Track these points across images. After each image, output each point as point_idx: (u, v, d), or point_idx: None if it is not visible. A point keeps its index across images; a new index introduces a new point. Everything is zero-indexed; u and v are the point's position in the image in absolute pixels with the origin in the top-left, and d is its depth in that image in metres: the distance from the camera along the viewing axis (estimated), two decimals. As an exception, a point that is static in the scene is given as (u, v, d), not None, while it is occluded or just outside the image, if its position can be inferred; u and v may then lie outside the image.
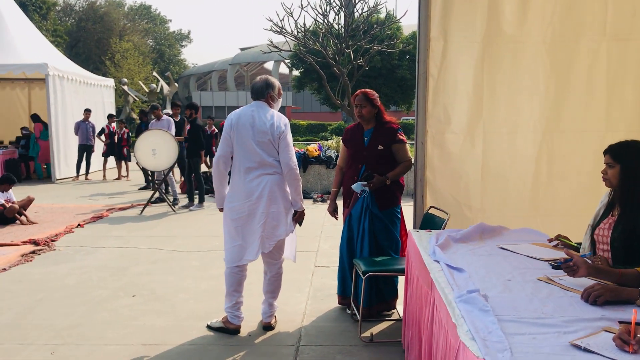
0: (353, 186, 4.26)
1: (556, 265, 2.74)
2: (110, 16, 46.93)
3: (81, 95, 15.01)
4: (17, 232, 7.61)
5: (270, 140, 3.97)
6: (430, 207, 4.31)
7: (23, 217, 8.22)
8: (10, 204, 8.23)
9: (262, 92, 4.13)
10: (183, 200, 10.22)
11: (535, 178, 4.33)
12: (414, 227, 4.38)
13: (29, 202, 8.61)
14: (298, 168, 4.13)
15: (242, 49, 59.24)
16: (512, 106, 4.28)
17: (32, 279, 5.51)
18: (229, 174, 4.09)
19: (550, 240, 3.19)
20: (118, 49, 39.14)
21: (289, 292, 4.94)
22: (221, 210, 4.15)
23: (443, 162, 4.37)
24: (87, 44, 44.91)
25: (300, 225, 4.21)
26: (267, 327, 4.19)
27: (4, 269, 5.78)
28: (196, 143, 9.68)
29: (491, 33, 4.20)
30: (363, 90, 4.42)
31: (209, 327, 4.19)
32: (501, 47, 4.22)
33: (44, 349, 3.81)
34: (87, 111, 14.05)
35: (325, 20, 14.64)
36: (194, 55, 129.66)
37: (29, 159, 14.35)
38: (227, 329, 4.12)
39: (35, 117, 14.01)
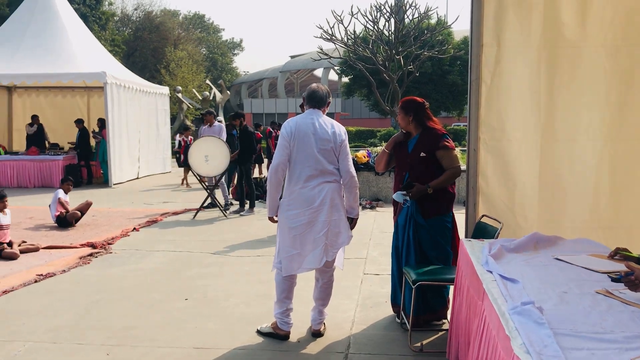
0: (394, 196, 4.23)
1: (616, 278, 2.63)
2: (165, 25, 48.27)
3: (137, 103, 15.47)
4: (75, 235, 7.89)
5: (332, 148, 4.00)
6: (483, 215, 4.22)
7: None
8: (72, 211, 8.51)
9: (324, 101, 4.18)
10: (234, 205, 10.37)
11: (596, 188, 4.15)
12: (466, 236, 4.30)
13: (87, 206, 8.90)
14: None
15: (292, 57, 59.81)
16: (571, 113, 4.14)
17: (90, 280, 5.69)
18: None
19: (610, 255, 3.07)
20: (173, 57, 40.18)
21: (337, 299, 4.93)
22: (271, 218, 4.16)
23: (496, 170, 4.28)
24: (143, 53, 46.31)
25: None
26: (316, 334, 4.20)
27: (63, 271, 6.00)
28: (248, 149, 9.83)
29: (548, 37, 4.08)
30: (408, 98, 4.46)
31: (259, 332, 4.23)
32: (559, 51, 4.10)
33: (100, 349, 3.93)
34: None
35: (375, 26, 14.63)
36: (246, 63, 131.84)
37: (88, 163, 14.74)
38: (277, 335, 4.14)
39: (103, 123, 14.39)
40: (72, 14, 16.64)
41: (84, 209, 8.81)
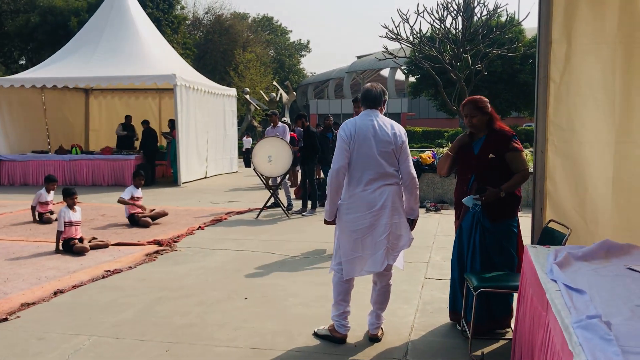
0: (464, 200, 4.06)
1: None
2: (235, 28, 49.27)
3: (205, 104, 15.85)
4: (143, 233, 8.14)
5: (393, 150, 3.92)
6: (550, 220, 4.02)
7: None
8: (146, 216, 8.71)
9: (379, 100, 4.09)
10: (297, 205, 10.41)
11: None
12: (532, 242, 4.11)
13: (161, 214, 8.98)
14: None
15: (358, 57, 59.74)
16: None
17: (154, 277, 5.84)
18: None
19: None
20: (242, 59, 40.96)
21: (396, 303, 4.83)
22: (328, 222, 4.09)
23: (566, 173, 4.06)
24: (213, 56, 47.46)
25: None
26: (373, 338, 4.12)
27: (130, 267, 6.19)
28: (311, 150, 9.85)
29: (625, 32, 3.81)
30: (470, 98, 4.19)
31: (315, 334, 4.20)
32: (637, 47, 3.82)
33: (160, 346, 4.01)
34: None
35: (442, 25, 14.35)
36: (313, 64, 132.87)
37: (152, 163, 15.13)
38: (333, 338, 4.10)
39: (173, 124, 14.78)
40: (146, 18, 17.25)
41: (158, 216, 8.98)
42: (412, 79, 38.20)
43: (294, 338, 4.16)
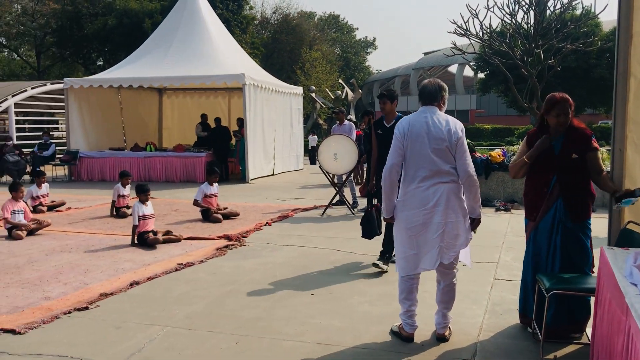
0: (623, 202, 3.71)
1: None
2: (301, 27, 49.72)
3: (272, 103, 16.09)
4: (214, 227, 8.36)
5: (447, 147, 3.86)
6: (629, 222, 3.85)
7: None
8: (216, 214, 8.94)
9: (436, 96, 4.02)
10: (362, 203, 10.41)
11: None
12: (609, 244, 3.95)
13: (233, 214, 9.20)
14: (477, 174, 3.95)
15: (425, 53, 58.95)
16: None
17: (224, 271, 6.00)
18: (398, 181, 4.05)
19: None
20: (308, 58, 41.31)
21: (464, 303, 4.76)
22: (388, 219, 4.10)
23: (646, 172, 3.87)
24: (280, 55, 48.08)
25: (474, 232, 4.04)
26: (440, 338, 4.08)
27: (201, 261, 6.38)
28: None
29: None
30: (563, 96, 3.93)
31: (391, 331, 4.20)
32: None
33: (230, 338, 4.12)
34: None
35: (513, 19, 13.95)
36: (379, 62, 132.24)
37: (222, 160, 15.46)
38: (401, 336, 4.09)
39: (241, 122, 15.12)
40: (216, 19, 17.70)
41: (230, 215, 9.19)
42: (481, 75, 37.33)
43: (360, 335, 4.17)
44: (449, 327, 4.15)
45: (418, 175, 3.90)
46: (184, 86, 16.71)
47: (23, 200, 8.28)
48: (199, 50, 15.73)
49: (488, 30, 13.89)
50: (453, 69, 55.27)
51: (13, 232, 7.72)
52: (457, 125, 3.94)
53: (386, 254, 6.04)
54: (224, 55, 15.89)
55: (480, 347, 3.96)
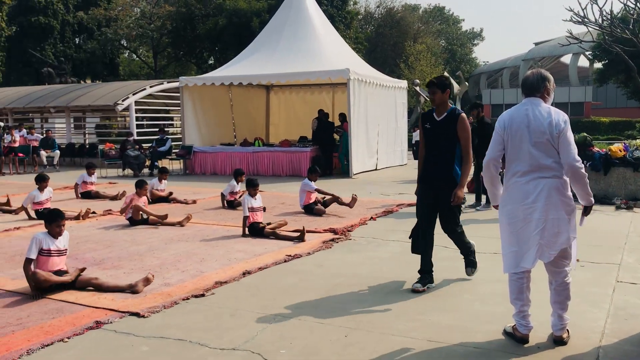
0: None
1: None
2: (405, 20, 49.20)
3: (376, 97, 16.05)
4: (319, 221, 8.49)
5: (548, 140, 3.71)
6: None
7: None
8: (317, 207, 9.09)
9: (538, 87, 3.87)
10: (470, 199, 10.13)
11: None
12: None
13: (335, 200, 9.41)
14: (595, 170, 3.75)
15: (536, 44, 56.23)
16: None
17: (331, 264, 6.08)
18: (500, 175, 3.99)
19: None
20: (412, 51, 40.82)
21: (583, 306, 4.51)
22: (494, 205, 4.14)
23: None
24: (384, 49, 47.87)
25: (586, 216, 3.90)
26: (558, 340, 3.89)
27: (309, 253, 6.51)
28: (486, 141, 9.48)
29: None
30: None
31: (504, 331, 4.08)
32: None
33: (339, 330, 4.16)
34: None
35: (638, 4, 12.95)
36: (486, 53, 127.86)
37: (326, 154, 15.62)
38: (514, 336, 3.95)
39: (343, 117, 15.26)
40: (322, 16, 17.92)
41: (333, 201, 9.34)
42: (597, 65, 35.06)
43: (471, 334, 4.07)
44: (567, 330, 3.94)
45: (517, 170, 3.83)
46: (290, 82, 17.09)
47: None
48: (304, 46, 16.01)
49: (608, 16, 13.00)
50: (566, 59, 52.32)
51: (150, 218, 8.34)
52: (560, 117, 3.76)
53: (425, 273, 5.27)
54: (329, 51, 16.07)
55: (603, 352, 3.73)
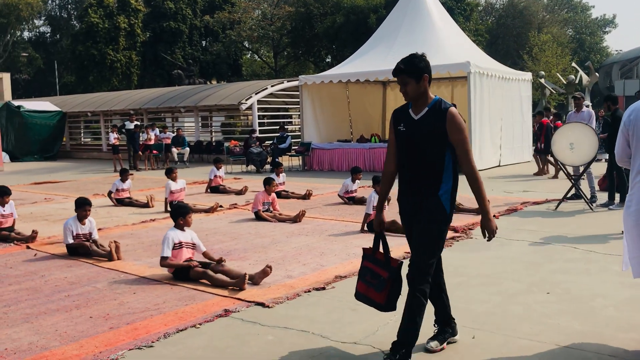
0: None
1: None
2: (529, 10, 46.87)
3: (498, 91, 15.46)
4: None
5: None
6: None
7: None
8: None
9: None
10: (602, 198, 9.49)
11: None
12: None
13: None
14: None
15: (680, 28, 51.19)
16: None
17: (451, 263, 5.92)
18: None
19: None
20: (536, 42, 38.88)
21: None
22: None
23: None
24: (505, 40, 45.96)
25: None
26: None
27: (428, 251, 6.41)
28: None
29: None
30: None
31: None
32: None
33: (464, 330, 4.06)
34: None
35: None
36: (619, 41, 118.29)
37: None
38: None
39: None
40: (441, 8, 17.56)
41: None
42: None
43: (605, 342, 3.82)
44: None
45: None
46: (407, 78, 16.88)
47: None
48: (422, 40, 15.73)
49: None
50: None
51: (280, 216, 8.59)
52: None
53: (443, 326, 3.87)
54: (448, 44, 15.71)
55: None
